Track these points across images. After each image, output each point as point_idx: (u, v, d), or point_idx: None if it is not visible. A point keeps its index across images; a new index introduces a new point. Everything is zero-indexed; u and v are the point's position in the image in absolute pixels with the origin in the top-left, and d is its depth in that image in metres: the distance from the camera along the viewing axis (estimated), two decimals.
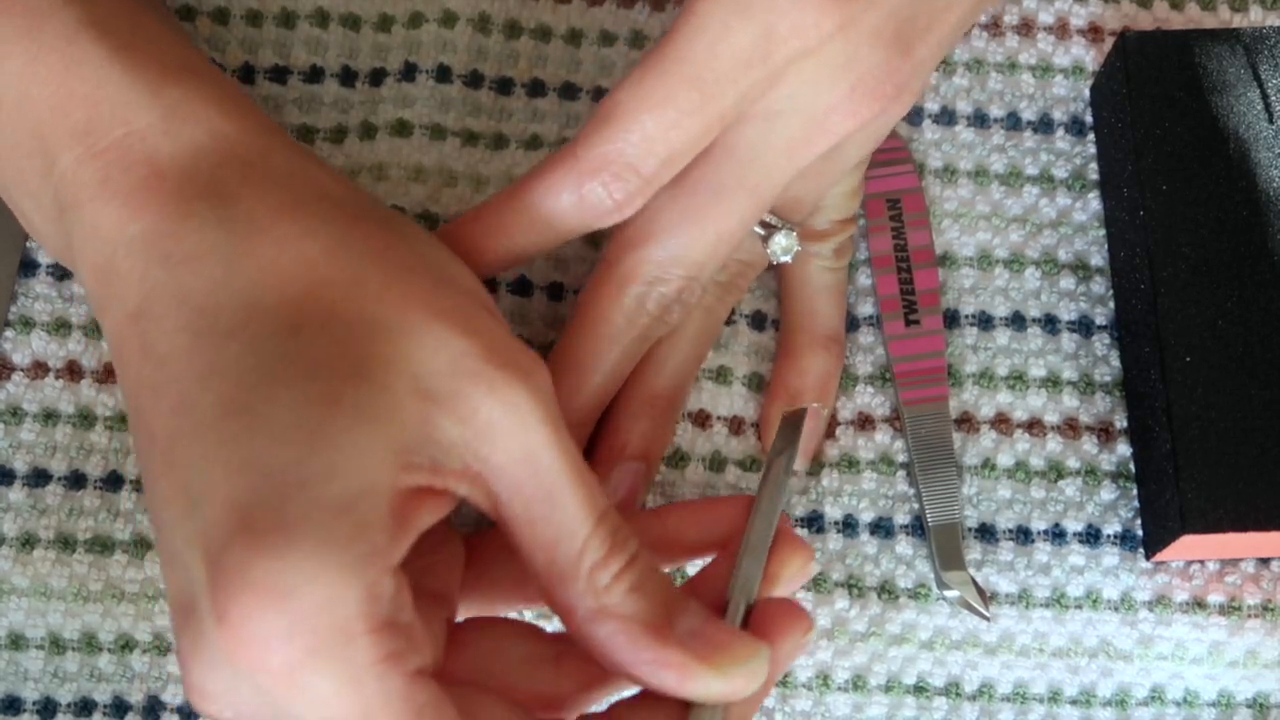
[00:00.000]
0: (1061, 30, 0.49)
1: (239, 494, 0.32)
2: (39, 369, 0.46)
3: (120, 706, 0.44)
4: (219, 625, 0.31)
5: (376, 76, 0.49)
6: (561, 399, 0.41)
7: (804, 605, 0.44)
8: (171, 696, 0.44)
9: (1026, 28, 0.50)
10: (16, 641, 0.44)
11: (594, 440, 0.44)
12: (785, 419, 0.42)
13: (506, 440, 0.34)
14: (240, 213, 0.35)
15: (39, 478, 0.45)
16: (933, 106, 0.49)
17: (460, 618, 0.38)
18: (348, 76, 0.49)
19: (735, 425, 0.46)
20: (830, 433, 0.46)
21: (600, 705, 0.37)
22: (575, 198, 0.40)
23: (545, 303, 0.47)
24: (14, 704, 0.43)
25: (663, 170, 0.39)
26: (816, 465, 0.46)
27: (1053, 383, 0.46)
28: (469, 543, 0.39)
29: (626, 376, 0.43)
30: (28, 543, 0.44)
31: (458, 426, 0.34)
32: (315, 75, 0.49)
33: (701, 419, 0.46)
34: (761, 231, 0.44)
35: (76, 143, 0.36)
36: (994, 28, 0.50)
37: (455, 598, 0.38)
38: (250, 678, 0.32)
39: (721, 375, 0.46)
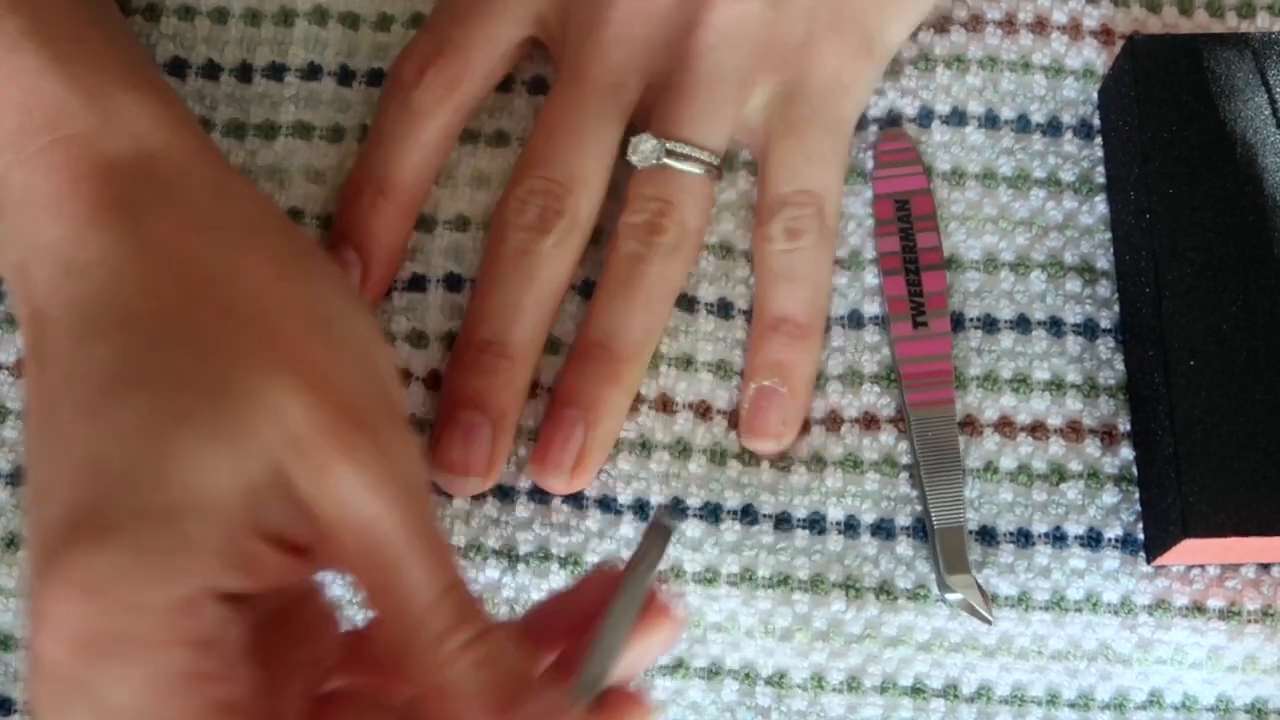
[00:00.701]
0: (1075, 31, 0.49)
1: (73, 492, 0.32)
2: (23, 367, 0.45)
3: None
4: (35, 619, 0.31)
5: (375, 76, 0.49)
6: (489, 326, 0.44)
7: (802, 606, 0.44)
8: None
9: (1040, 25, 0.49)
10: (5, 642, 0.43)
11: None
12: (652, 523, 0.39)
13: (354, 504, 0.33)
14: (141, 227, 0.36)
15: (23, 476, 0.44)
16: (942, 108, 0.48)
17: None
18: (345, 76, 0.49)
19: (734, 419, 0.46)
20: (835, 429, 0.46)
21: None
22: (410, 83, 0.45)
23: None
24: (3, 704, 0.43)
25: (467, 39, 0.44)
26: (819, 462, 0.45)
27: (1056, 386, 0.46)
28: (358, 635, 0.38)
29: (551, 303, 0.44)
30: (12, 543, 0.44)
31: (312, 481, 0.33)
32: (313, 73, 0.49)
33: (702, 410, 0.46)
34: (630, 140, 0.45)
35: (8, 149, 0.37)
36: (1008, 25, 0.49)
37: (324, 673, 0.37)
38: (50, 675, 0.31)
39: (721, 368, 0.46)
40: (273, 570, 0.33)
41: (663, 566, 0.43)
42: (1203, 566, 0.45)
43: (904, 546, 0.45)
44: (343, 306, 0.37)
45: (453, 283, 0.46)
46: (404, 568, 0.34)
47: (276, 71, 0.49)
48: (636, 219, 0.45)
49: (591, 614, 0.37)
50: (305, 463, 0.33)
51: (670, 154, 0.45)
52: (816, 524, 0.45)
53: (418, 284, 0.46)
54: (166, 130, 0.38)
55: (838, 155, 0.47)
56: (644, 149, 0.45)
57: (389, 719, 0.36)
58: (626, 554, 0.44)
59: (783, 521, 0.45)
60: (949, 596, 0.44)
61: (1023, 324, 0.47)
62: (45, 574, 0.31)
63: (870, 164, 0.48)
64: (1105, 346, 0.47)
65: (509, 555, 0.44)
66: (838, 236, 0.47)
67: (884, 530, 0.45)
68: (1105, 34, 0.49)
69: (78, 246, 0.35)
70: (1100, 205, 0.48)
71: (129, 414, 0.33)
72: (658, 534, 0.38)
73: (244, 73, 0.48)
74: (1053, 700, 0.44)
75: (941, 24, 0.49)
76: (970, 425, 0.46)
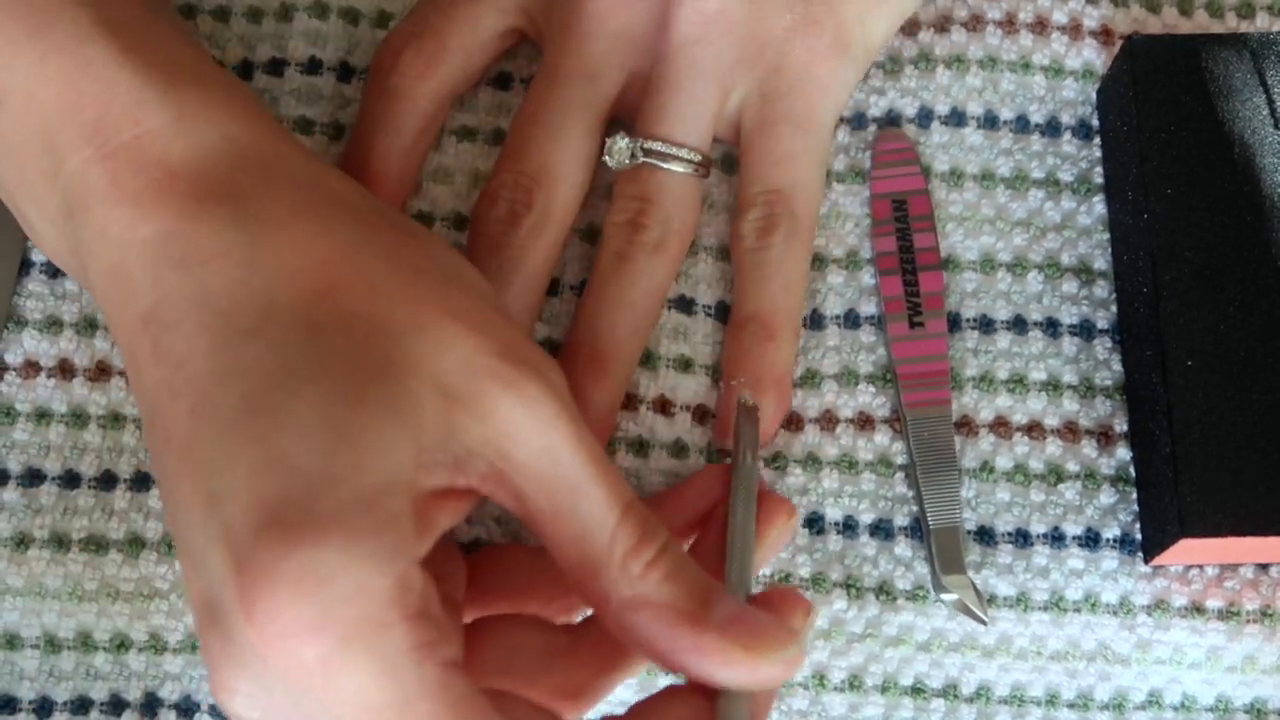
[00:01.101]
0: (1074, 31, 0.49)
1: (266, 491, 0.32)
2: (31, 368, 0.46)
3: (117, 704, 0.43)
4: (248, 621, 0.31)
5: None
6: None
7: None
8: (169, 693, 0.44)
9: (1040, 25, 0.49)
10: (12, 641, 0.44)
11: None
12: (740, 413, 0.43)
13: (527, 437, 0.34)
14: (256, 214, 0.35)
15: (33, 478, 0.45)
16: (942, 109, 0.48)
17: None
18: (345, 72, 0.49)
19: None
20: (830, 429, 0.46)
21: (616, 689, 0.38)
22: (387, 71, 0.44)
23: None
24: (10, 703, 0.43)
25: (445, 23, 0.43)
26: (815, 463, 0.45)
27: (1053, 386, 0.46)
28: (468, 560, 0.39)
29: (515, 287, 0.44)
30: (22, 542, 0.44)
31: (479, 425, 0.34)
32: (313, 67, 0.49)
33: (700, 414, 0.46)
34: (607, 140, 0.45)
35: (86, 144, 0.36)
36: (1008, 24, 0.49)
37: (462, 606, 0.38)
38: (281, 674, 0.32)
39: (718, 371, 0.46)
40: (447, 521, 0.34)
41: None
42: (1201, 567, 0.45)
43: (902, 547, 0.45)
44: (458, 260, 0.38)
45: None
46: (585, 493, 0.35)
47: (276, 67, 0.49)
48: (620, 218, 0.45)
49: (705, 510, 0.40)
50: (472, 412, 0.34)
51: (649, 153, 0.45)
52: (815, 523, 0.45)
53: None
54: (247, 118, 0.37)
55: (811, 153, 0.46)
56: (617, 150, 0.45)
57: (554, 630, 0.38)
58: None
59: None
60: (944, 597, 0.44)
61: (1019, 324, 0.47)
62: (254, 575, 0.31)
63: (868, 163, 0.48)
64: (1102, 347, 0.46)
65: None
66: (814, 235, 0.46)
67: (882, 530, 0.45)
68: (1105, 34, 0.49)
69: (188, 240, 0.35)
70: (1098, 206, 0.48)
71: (305, 407, 0.33)
72: (747, 420, 0.40)
73: (245, 70, 0.48)
74: (1052, 700, 0.44)
75: (941, 24, 0.49)
76: (967, 426, 0.46)
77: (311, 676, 0.31)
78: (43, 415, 0.45)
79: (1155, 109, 0.44)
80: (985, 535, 0.45)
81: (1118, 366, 0.46)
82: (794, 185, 0.46)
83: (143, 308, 0.35)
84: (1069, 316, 0.47)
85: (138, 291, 0.35)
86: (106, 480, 0.45)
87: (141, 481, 0.45)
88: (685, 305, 0.46)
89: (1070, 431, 0.46)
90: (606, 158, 0.45)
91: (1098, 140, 0.48)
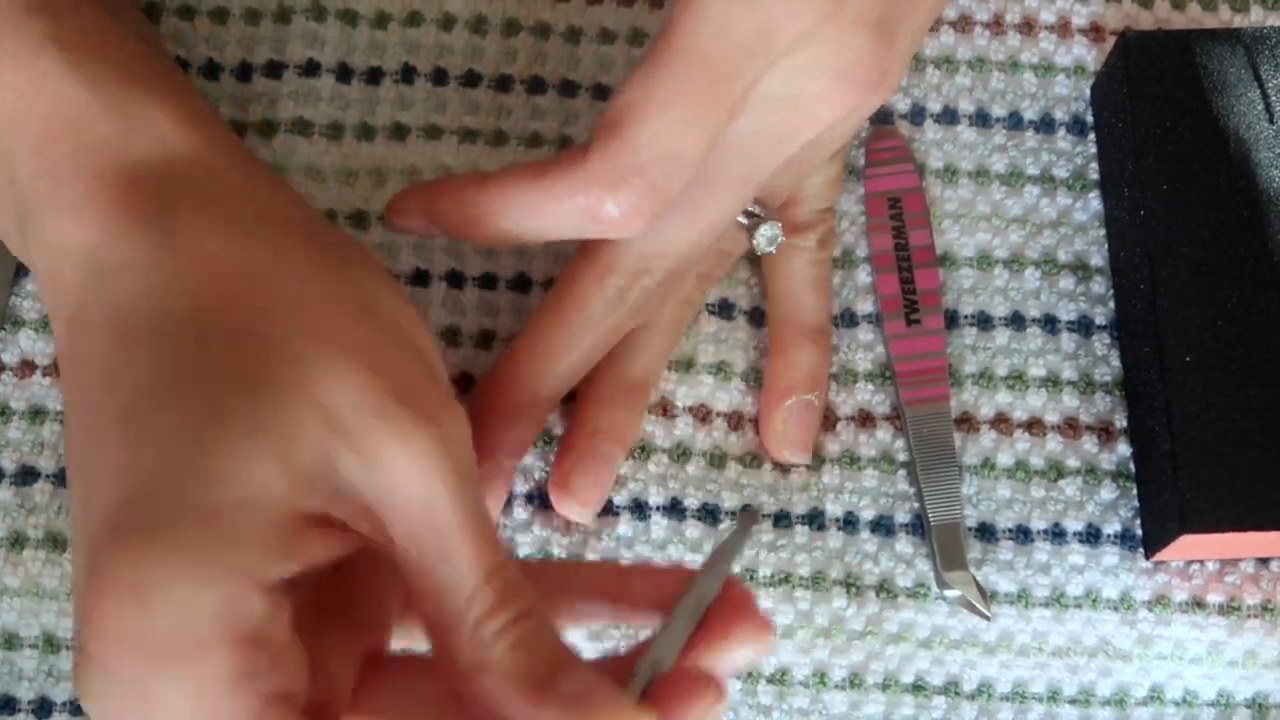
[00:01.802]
0: (1063, 29, 0.49)
1: (114, 495, 0.32)
2: (26, 367, 0.46)
3: None
4: (84, 623, 0.31)
5: (373, 74, 0.49)
6: (527, 383, 0.43)
7: (804, 603, 0.44)
8: None
9: (1028, 26, 0.50)
10: (10, 641, 0.44)
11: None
12: (740, 516, 0.43)
13: (406, 486, 0.33)
14: (174, 227, 0.35)
15: (27, 475, 0.45)
16: (935, 106, 0.49)
17: (402, 644, 0.38)
18: (344, 73, 0.49)
19: (734, 421, 0.46)
20: (831, 427, 0.46)
21: None
22: (582, 205, 0.39)
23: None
24: (9, 703, 0.43)
25: (673, 174, 0.39)
26: (818, 460, 0.45)
27: (1052, 382, 0.46)
28: None
29: (594, 364, 0.43)
30: (17, 542, 0.44)
31: (360, 464, 0.33)
32: (311, 69, 0.49)
33: (702, 414, 0.46)
34: (745, 222, 0.44)
35: (34, 155, 0.36)
36: (996, 26, 0.49)
37: (385, 627, 0.37)
38: (113, 682, 0.31)
39: (721, 370, 0.46)
40: (320, 551, 0.33)
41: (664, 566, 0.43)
42: (1202, 562, 0.45)
43: (903, 543, 0.45)
44: (382, 291, 0.37)
45: (455, 280, 0.47)
46: (453, 550, 0.34)
47: (274, 69, 0.49)
48: (703, 268, 0.45)
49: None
50: (355, 448, 0.33)
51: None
52: (815, 519, 0.45)
53: (421, 279, 0.47)
54: (190, 131, 0.37)
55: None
56: (768, 239, 0.44)
57: (435, 691, 0.36)
58: (626, 555, 0.44)
59: (781, 519, 0.45)
60: (947, 593, 0.44)
61: (1017, 321, 0.47)
62: (91, 577, 0.31)
63: (862, 161, 0.48)
64: (1101, 343, 0.47)
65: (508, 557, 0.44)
66: None
67: (883, 527, 0.45)
68: (1095, 31, 0.49)
69: (109, 251, 0.35)
70: (1094, 201, 0.48)
71: (169, 416, 0.32)
72: (744, 524, 0.39)
73: (244, 72, 0.49)
74: (1054, 697, 0.44)
75: (933, 24, 0.49)
76: (967, 422, 0.46)
77: (131, 688, 0.31)
78: (38, 413, 0.45)
79: (1150, 105, 0.45)
80: (986, 532, 0.45)
81: (1116, 362, 0.46)
82: (835, 204, 0.47)
83: (67, 313, 0.36)
84: (1067, 313, 0.47)
85: (66, 299, 0.36)
86: None
87: None
88: None
89: (1070, 427, 0.46)
90: (757, 243, 0.44)
91: (1092, 136, 0.48)
